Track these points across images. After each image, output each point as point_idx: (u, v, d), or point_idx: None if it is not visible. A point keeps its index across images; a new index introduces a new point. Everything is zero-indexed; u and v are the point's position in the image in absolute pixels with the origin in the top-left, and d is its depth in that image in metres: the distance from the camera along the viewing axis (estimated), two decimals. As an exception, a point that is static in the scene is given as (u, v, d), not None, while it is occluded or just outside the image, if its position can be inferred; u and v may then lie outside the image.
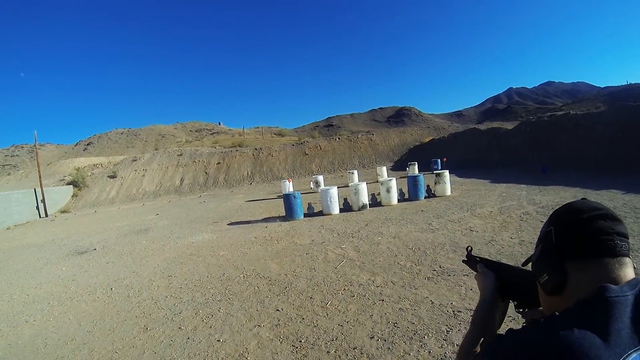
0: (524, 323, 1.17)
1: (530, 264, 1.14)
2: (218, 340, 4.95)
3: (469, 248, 1.62)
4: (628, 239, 0.96)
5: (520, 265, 1.32)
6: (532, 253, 1.11)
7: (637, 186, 12.32)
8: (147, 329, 5.57)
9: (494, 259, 1.49)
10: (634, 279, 0.91)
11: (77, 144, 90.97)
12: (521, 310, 1.31)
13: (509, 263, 1.44)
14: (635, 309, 0.84)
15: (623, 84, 46.27)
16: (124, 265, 9.31)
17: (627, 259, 0.94)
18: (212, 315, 5.77)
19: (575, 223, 0.98)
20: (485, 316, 1.28)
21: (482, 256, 1.55)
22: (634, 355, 0.79)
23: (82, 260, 10.50)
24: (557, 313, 0.91)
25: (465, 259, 1.60)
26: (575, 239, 0.97)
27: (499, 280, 1.35)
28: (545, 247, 1.04)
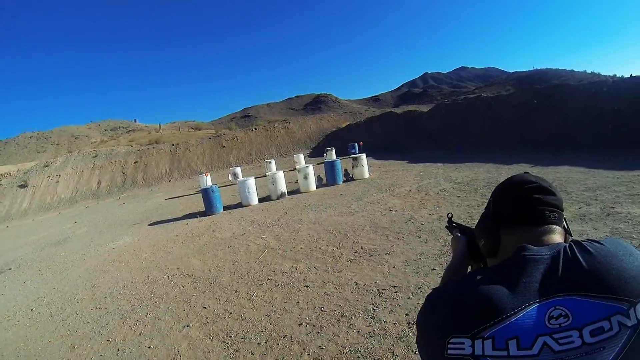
0: None
1: None
2: (149, 347, 4.89)
3: (450, 215, 1.80)
4: (560, 209, 1.07)
5: None
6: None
7: (544, 160, 13.12)
8: (74, 347, 5.32)
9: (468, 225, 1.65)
10: (556, 243, 1.01)
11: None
12: None
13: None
14: (548, 268, 0.92)
15: (530, 69, 49.20)
16: (43, 282, 8.79)
17: (556, 227, 1.05)
18: (140, 322, 5.66)
19: (510, 194, 1.11)
20: (452, 274, 1.40)
21: (459, 223, 1.72)
22: (535, 305, 0.87)
23: (-3, 282, 9.83)
24: (483, 268, 1.10)
25: (447, 225, 1.78)
26: (508, 208, 1.09)
27: (470, 244, 1.48)
28: (484, 215, 1.19)
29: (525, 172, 1.18)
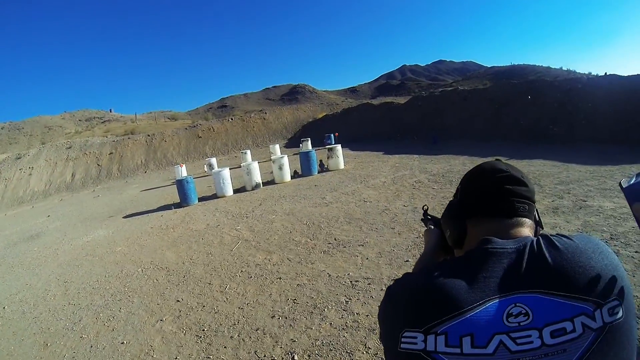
0: None
1: None
2: (122, 343, 4.86)
3: (425, 207, 1.70)
4: (531, 201, 1.01)
5: None
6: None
7: (519, 153, 13.23)
8: (47, 345, 5.23)
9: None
10: (523, 237, 0.95)
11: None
12: None
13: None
14: (512, 262, 0.87)
15: (508, 64, 49.76)
16: (15, 279, 8.60)
17: (525, 219, 0.99)
18: (114, 317, 5.62)
19: (478, 183, 1.05)
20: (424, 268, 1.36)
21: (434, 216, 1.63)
22: (494, 301, 0.82)
23: (-32, 282, 9.53)
24: (445, 260, 1.03)
25: (422, 217, 1.68)
26: (476, 198, 1.03)
27: (443, 237, 1.39)
28: (451, 204, 1.14)
29: (496, 159, 1.12)
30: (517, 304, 0.82)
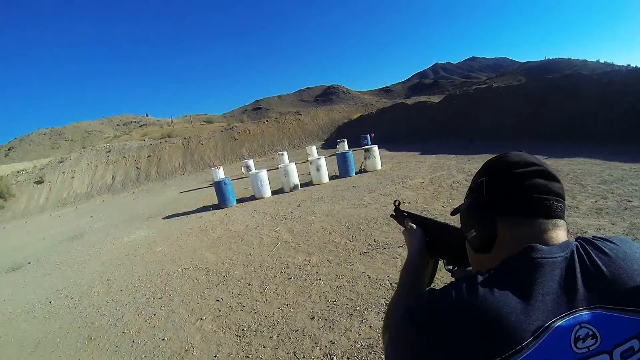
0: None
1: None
2: (162, 339, 4.95)
3: (397, 202, 1.52)
4: (564, 199, 0.89)
5: (451, 215, 1.21)
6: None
7: (557, 152, 12.83)
8: (91, 338, 5.42)
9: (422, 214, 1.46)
10: (565, 241, 0.83)
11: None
12: (451, 268, 1.26)
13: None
14: (564, 273, 0.76)
15: (542, 59, 48.34)
16: (61, 276, 8.89)
17: (561, 220, 0.87)
18: (155, 315, 5.74)
19: (510, 177, 0.89)
20: (412, 275, 1.23)
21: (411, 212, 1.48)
22: (558, 323, 0.70)
23: (17, 277, 9.84)
24: (479, 272, 0.82)
25: (393, 214, 1.53)
26: (509, 195, 0.88)
27: (426, 237, 1.31)
28: (475, 199, 0.96)
29: (520, 151, 0.96)
30: (583, 325, 0.70)
